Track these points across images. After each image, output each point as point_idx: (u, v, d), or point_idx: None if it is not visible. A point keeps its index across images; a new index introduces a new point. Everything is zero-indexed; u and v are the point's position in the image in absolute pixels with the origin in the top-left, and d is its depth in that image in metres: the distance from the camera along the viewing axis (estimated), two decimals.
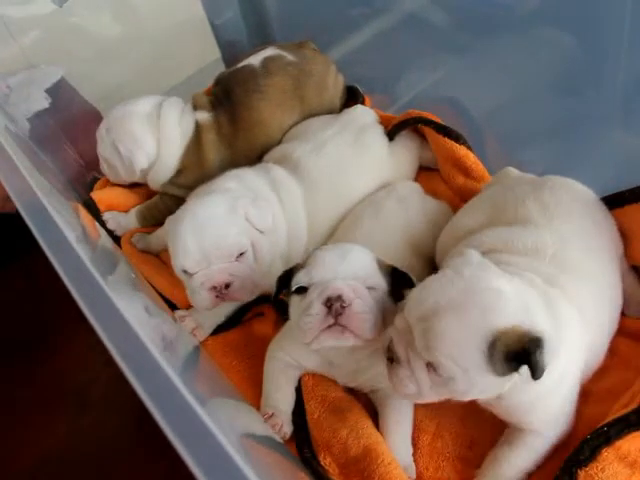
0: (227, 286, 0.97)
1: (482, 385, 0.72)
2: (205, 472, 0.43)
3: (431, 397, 0.75)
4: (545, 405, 0.80)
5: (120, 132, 1.22)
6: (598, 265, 0.88)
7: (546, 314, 0.73)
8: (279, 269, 0.92)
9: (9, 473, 1.02)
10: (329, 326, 0.80)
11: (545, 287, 0.79)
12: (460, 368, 0.70)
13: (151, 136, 1.23)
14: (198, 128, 1.25)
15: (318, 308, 0.80)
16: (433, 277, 0.76)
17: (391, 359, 0.76)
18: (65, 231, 0.67)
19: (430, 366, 0.72)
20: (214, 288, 0.97)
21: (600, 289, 0.86)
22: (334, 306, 0.79)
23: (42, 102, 1.38)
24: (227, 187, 1.05)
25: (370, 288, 0.82)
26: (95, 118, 1.48)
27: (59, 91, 1.41)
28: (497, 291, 0.71)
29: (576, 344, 0.79)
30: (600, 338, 0.86)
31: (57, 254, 0.65)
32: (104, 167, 1.29)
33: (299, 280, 0.84)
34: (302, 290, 0.84)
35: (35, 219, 0.69)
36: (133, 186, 1.33)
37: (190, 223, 0.97)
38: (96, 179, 1.40)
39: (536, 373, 0.68)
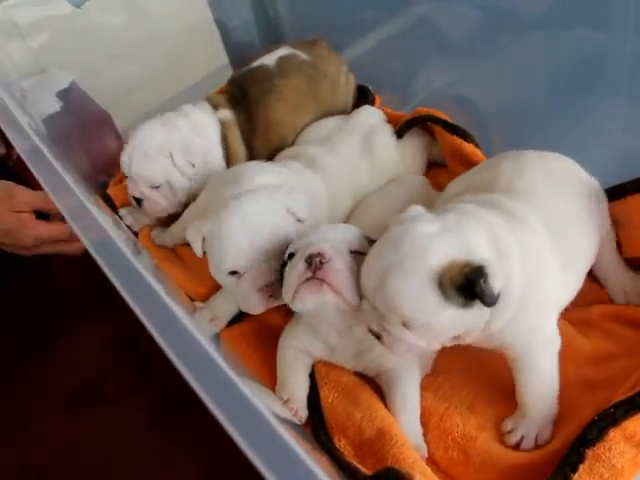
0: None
1: (454, 320, 0.76)
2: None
3: (425, 346, 0.80)
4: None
5: (162, 138, 1.19)
6: (561, 208, 0.89)
7: (487, 243, 0.76)
8: None
9: (25, 468, 1.03)
10: (307, 279, 0.83)
11: (483, 211, 0.81)
12: (427, 314, 0.74)
13: (191, 132, 1.22)
14: (223, 126, 1.26)
15: (300, 265, 0.84)
16: (372, 248, 0.81)
17: (377, 336, 0.81)
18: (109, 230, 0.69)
19: (405, 325, 0.76)
20: (266, 287, 0.95)
21: (560, 222, 0.87)
22: (313, 261, 0.82)
23: (53, 106, 1.40)
24: (258, 183, 1.04)
25: (355, 252, 0.86)
26: (106, 121, 1.50)
27: (70, 95, 1.42)
28: (424, 235, 0.75)
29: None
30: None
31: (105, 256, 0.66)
32: (156, 201, 1.22)
33: (290, 248, 0.90)
34: (292, 256, 0.88)
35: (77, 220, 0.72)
36: None
37: (240, 221, 0.95)
38: (107, 183, 1.42)
39: (485, 301, 0.72)
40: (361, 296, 0.82)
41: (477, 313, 0.76)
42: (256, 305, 0.98)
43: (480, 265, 0.72)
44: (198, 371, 0.52)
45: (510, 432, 0.89)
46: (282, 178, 1.08)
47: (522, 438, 0.88)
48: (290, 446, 0.46)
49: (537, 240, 0.83)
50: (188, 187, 1.22)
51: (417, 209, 0.84)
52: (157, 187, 1.21)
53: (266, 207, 0.98)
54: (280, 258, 0.95)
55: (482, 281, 0.71)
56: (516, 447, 0.88)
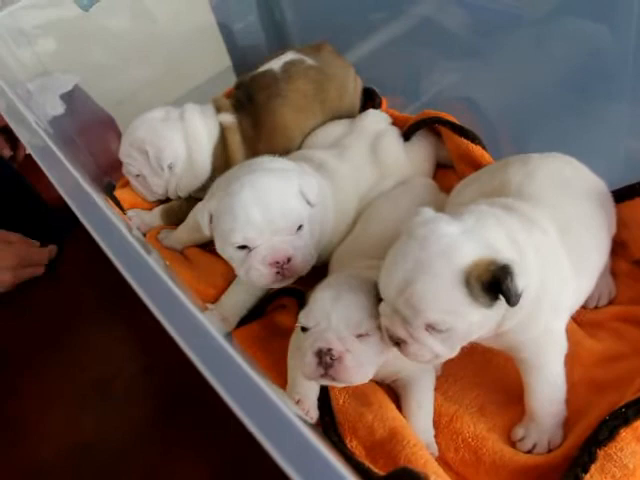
0: (288, 260, 0.96)
1: (480, 321, 0.75)
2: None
3: (449, 352, 0.79)
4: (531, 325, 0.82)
5: (144, 135, 1.23)
6: (571, 212, 0.89)
7: (506, 241, 0.76)
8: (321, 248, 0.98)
9: (34, 465, 1.03)
10: (321, 375, 0.84)
11: (499, 213, 0.81)
12: (453, 315, 0.74)
13: (178, 134, 1.24)
14: (223, 130, 1.27)
15: (310, 358, 0.84)
16: (391, 251, 0.80)
17: (397, 343, 0.80)
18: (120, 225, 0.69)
19: (429, 328, 0.75)
20: (276, 263, 0.95)
21: (571, 225, 0.87)
22: (324, 359, 0.83)
23: (57, 108, 1.40)
24: (271, 166, 1.04)
25: (363, 335, 0.84)
26: (109, 124, 1.51)
27: (74, 97, 1.43)
28: (448, 235, 0.75)
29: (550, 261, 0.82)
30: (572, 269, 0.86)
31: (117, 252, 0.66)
32: (138, 188, 1.31)
33: (300, 320, 0.88)
34: (304, 330, 0.87)
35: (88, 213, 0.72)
36: None
37: (252, 193, 0.95)
38: (111, 185, 1.42)
39: (510, 299, 0.72)
40: (380, 299, 0.82)
41: (495, 312, 0.75)
42: (264, 280, 0.98)
43: (506, 264, 0.72)
44: (217, 369, 0.52)
45: (522, 440, 0.89)
46: (294, 166, 1.08)
47: (534, 445, 0.88)
48: (313, 444, 0.46)
49: (551, 243, 0.83)
50: (162, 184, 1.28)
51: (429, 211, 0.83)
52: (135, 176, 1.28)
53: (280, 185, 0.98)
54: (290, 235, 0.96)
55: (509, 279, 0.71)
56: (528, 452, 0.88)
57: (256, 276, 0.97)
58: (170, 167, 1.24)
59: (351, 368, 0.83)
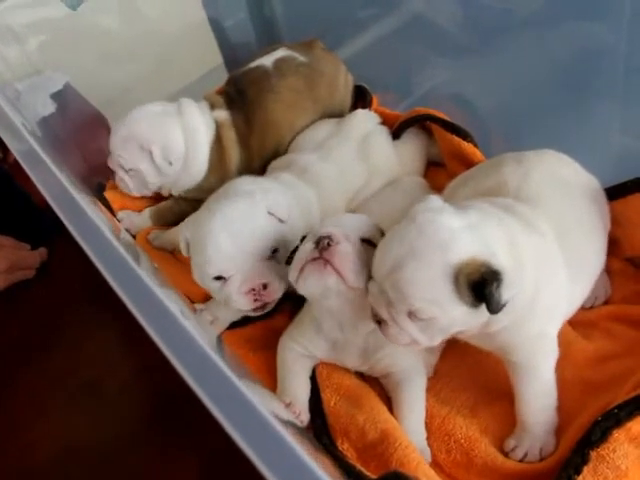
0: (265, 287, 0.95)
1: (462, 317, 0.75)
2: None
3: (427, 341, 0.79)
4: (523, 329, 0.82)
5: (149, 132, 1.20)
6: (568, 216, 0.88)
7: (505, 243, 0.75)
8: None
9: (26, 467, 1.03)
10: (314, 259, 0.82)
11: (501, 213, 0.80)
12: (436, 307, 0.73)
13: (178, 129, 1.21)
14: (218, 126, 1.25)
15: (308, 245, 0.84)
16: (390, 232, 0.79)
17: (379, 322, 0.80)
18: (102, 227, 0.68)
19: (411, 314, 0.75)
20: (252, 290, 0.95)
21: (569, 229, 0.87)
22: (322, 242, 0.82)
23: (48, 108, 1.39)
24: (244, 190, 1.03)
25: (365, 240, 0.85)
26: (101, 123, 1.50)
27: (64, 96, 1.42)
28: (449, 228, 0.74)
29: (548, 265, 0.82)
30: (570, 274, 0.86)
31: (98, 252, 0.66)
32: (124, 180, 1.25)
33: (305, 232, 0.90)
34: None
35: (70, 215, 0.71)
36: None
37: (221, 223, 0.95)
38: (102, 185, 1.41)
39: (491, 306, 0.71)
40: (369, 277, 0.81)
41: (479, 314, 0.75)
42: (244, 308, 0.98)
43: (498, 270, 0.72)
44: (199, 375, 0.51)
45: (514, 449, 0.88)
46: (264, 185, 1.06)
47: (526, 454, 0.87)
48: (291, 447, 0.45)
49: (549, 247, 0.83)
50: (158, 181, 1.25)
51: (437, 200, 0.81)
52: (126, 170, 1.23)
53: (247, 210, 0.97)
54: (265, 260, 0.96)
55: (494, 286, 0.71)
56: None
57: (235, 304, 0.97)
58: (171, 163, 1.21)
59: (347, 255, 0.82)
